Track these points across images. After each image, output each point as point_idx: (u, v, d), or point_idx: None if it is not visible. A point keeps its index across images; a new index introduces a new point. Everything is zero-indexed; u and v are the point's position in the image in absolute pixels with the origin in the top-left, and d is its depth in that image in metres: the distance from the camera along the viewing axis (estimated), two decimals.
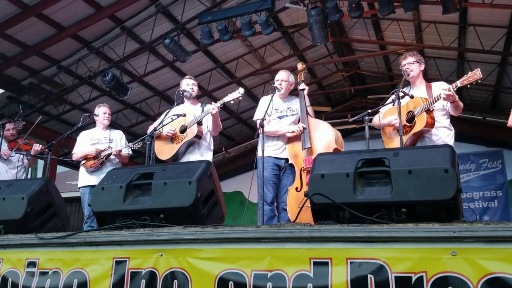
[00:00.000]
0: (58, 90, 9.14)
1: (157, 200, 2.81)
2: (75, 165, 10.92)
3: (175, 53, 8.05)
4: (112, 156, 5.37)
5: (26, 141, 5.94)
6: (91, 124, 5.88)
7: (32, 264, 2.82)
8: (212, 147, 4.95)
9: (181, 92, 4.86)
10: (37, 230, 3.05)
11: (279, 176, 4.72)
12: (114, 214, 2.90)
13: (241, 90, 4.60)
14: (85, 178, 5.41)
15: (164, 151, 4.78)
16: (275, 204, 4.74)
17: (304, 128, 4.56)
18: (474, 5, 7.41)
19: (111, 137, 5.57)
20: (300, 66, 5.11)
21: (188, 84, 4.95)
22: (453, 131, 4.16)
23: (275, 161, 4.69)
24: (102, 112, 5.63)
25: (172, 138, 4.75)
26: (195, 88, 5.00)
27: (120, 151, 5.37)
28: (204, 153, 4.79)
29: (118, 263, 2.55)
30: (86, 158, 5.41)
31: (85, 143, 5.53)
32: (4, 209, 3.19)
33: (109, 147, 5.39)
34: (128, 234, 2.60)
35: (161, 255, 2.46)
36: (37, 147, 5.79)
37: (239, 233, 2.34)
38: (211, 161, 4.74)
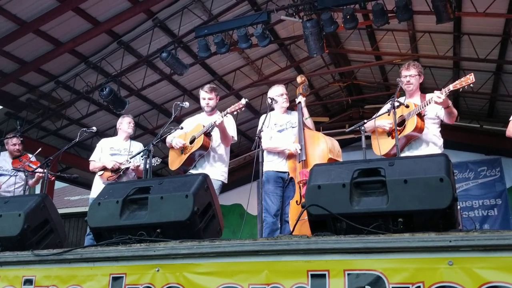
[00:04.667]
0: (56, 105, 9.17)
1: (153, 214, 2.79)
2: (73, 181, 10.93)
3: (173, 67, 8.10)
4: (129, 170, 5.31)
5: (31, 162, 5.85)
6: (88, 139, 5.87)
7: (28, 281, 2.80)
8: (225, 159, 4.85)
9: (179, 107, 4.85)
10: (34, 247, 3.03)
11: (283, 189, 4.72)
12: (111, 230, 2.88)
13: (243, 101, 4.58)
14: (100, 189, 5.33)
15: (174, 161, 4.80)
16: (279, 216, 4.73)
17: (299, 149, 4.57)
18: (468, 14, 7.49)
19: (131, 149, 5.47)
20: (299, 79, 5.11)
21: (204, 99, 4.88)
22: (442, 140, 4.16)
23: (279, 175, 4.69)
24: (127, 122, 5.56)
25: (182, 149, 4.76)
26: (211, 102, 4.88)
27: (139, 166, 5.24)
28: (215, 164, 4.72)
29: (115, 279, 2.53)
30: (104, 169, 5.34)
31: (104, 153, 5.45)
32: (1, 226, 3.18)
33: (127, 160, 5.31)
34: (125, 249, 2.58)
35: (158, 270, 2.44)
36: (40, 172, 5.63)
37: (236, 247, 2.33)
38: (223, 172, 4.74)
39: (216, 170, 4.67)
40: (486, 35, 8.10)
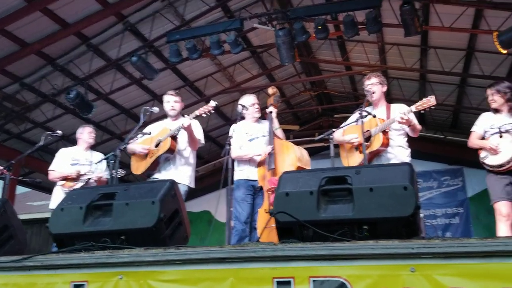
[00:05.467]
0: (20, 107, 8.90)
1: (118, 221, 2.74)
2: (36, 186, 10.61)
3: (143, 71, 8.02)
4: (91, 180, 5.22)
5: None
6: (53, 143, 5.73)
7: None
8: (191, 163, 4.78)
9: (148, 112, 4.78)
10: None
11: (253, 196, 4.72)
12: (73, 236, 2.81)
13: (212, 103, 4.56)
14: (61, 199, 5.18)
15: (139, 166, 4.71)
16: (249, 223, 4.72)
17: (271, 148, 4.57)
18: (434, 28, 7.72)
19: (92, 159, 5.40)
20: (271, 90, 5.13)
21: (168, 102, 4.82)
22: (409, 150, 4.27)
23: (250, 183, 4.68)
24: (87, 132, 5.54)
25: (147, 153, 4.69)
26: (176, 106, 4.83)
27: (101, 177, 5.21)
28: (181, 168, 4.65)
29: (76, 287, 2.47)
30: (65, 178, 5.23)
31: (65, 163, 5.34)
32: None
33: (90, 171, 5.25)
34: (87, 256, 2.52)
35: (121, 278, 2.39)
36: None
37: (202, 254, 2.30)
38: (189, 177, 4.67)
39: (182, 174, 4.59)
40: (451, 49, 8.37)
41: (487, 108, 4.50)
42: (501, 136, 4.13)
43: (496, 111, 4.33)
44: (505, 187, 4.12)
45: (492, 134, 4.22)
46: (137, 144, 4.68)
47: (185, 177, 4.62)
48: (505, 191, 4.11)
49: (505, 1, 6.64)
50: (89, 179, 5.19)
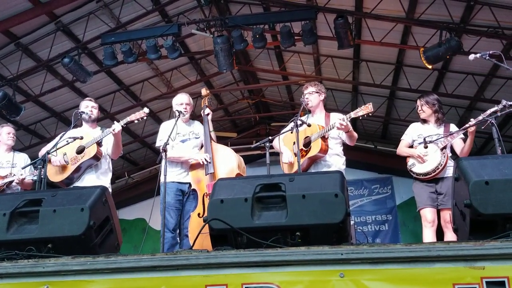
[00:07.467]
0: None
1: (45, 228, 2.62)
2: None
3: (75, 73, 7.71)
4: (14, 183, 4.88)
5: None
6: None
7: None
8: (111, 170, 4.74)
9: (79, 114, 4.64)
10: None
11: (183, 202, 4.65)
12: None
13: (146, 110, 4.49)
14: None
15: (57, 173, 4.49)
16: (178, 231, 4.65)
17: (207, 160, 4.54)
18: (366, 42, 8.08)
19: (15, 161, 5.08)
20: (204, 91, 5.14)
21: (87, 106, 4.74)
22: (344, 158, 4.43)
23: (179, 186, 4.62)
24: (6, 132, 5.17)
25: (67, 160, 4.48)
26: (95, 111, 4.78)
27: (24, 179, 4.86)
28: (102, 177, 4.56)
29: None
30: None
31: None
32: None
33: (11, 173, 4.92)
34: (10, 266, 2.38)
35: None
36: None
37: (133, 262, 2.25)
38: (109, 184, 4.58)
39: (103, 183, 4.46)
40: (381, 62, 8.80)
41: (414, 120, 4.77)
42: (426, 146, 4.38)
43: (424, 121, 4.59)
44: (430, 194, 4.37)
45: (419, 143, 4.47)
46: (53, 155, 4.43)
47: (106, 186, 4.48)
48: (430, 198, 4.36)
49: (430, 19, 7.10)
50: (11, 182, 4.85)
